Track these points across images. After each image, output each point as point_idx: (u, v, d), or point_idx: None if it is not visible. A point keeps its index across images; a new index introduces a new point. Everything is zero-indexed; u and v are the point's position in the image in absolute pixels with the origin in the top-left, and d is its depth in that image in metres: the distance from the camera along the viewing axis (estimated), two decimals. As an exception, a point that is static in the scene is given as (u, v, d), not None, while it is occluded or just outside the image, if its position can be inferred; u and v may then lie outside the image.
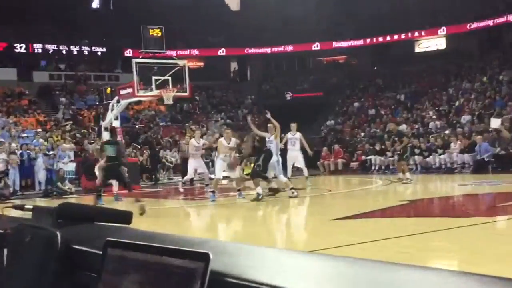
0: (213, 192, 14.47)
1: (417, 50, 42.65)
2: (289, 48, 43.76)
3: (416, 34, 40.78)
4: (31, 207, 1.92)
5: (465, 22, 38.55)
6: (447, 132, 25.67)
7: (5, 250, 1.73)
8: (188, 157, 17.94)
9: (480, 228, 7.76)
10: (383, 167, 24.81)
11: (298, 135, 17.01)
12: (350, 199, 14.72)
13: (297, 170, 17.69)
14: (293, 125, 17.17)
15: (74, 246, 1.51)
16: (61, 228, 1.62)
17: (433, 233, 7.57)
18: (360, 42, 42.69)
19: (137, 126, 32.87)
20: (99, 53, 40.48)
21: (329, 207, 13.26)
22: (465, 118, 27.51)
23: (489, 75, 33.23)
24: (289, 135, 17.15)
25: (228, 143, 14.69)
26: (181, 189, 18.12)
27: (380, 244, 6.77)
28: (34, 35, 37.54)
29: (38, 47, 38.47)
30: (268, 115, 15.03)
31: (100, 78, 38.67)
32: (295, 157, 16.94)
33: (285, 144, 16.86)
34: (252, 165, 14.60)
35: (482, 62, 36.69)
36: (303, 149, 17.10)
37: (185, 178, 18.19)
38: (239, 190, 14.61)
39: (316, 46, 43.36)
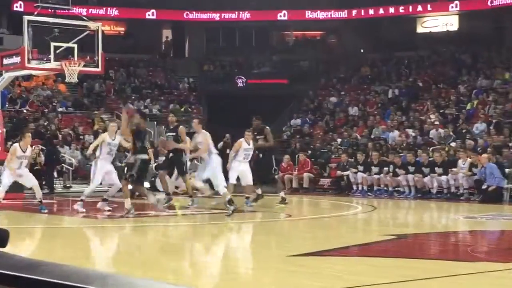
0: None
1: (419, 30, 43.28)
2: (246, 15, 43.75)
3: (420, 8, 41.34)
4: None
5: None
6: (453, 144, 26.11)
7: None
8: None
9: (485, 277, 7.94)
10: (365, 187, 25.07)
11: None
12: (317, 230, 14.78)
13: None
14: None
15: None
16: None
17: (425, 280, 7.70)
18: (343, 14, 43.09)
19: (25, 111, 32.43)
20: (-24, 5, 39.69)
21: (288, 238, 13.36)
22: (478, 127, 28.01)
23: (513, 70, 34.02)
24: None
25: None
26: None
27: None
28: None
29: None
30: None
31: (-25, 40, 38.02)
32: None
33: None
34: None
35: (506, 52, 37.50)
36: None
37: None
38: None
39: (282, 16, 43.50)
